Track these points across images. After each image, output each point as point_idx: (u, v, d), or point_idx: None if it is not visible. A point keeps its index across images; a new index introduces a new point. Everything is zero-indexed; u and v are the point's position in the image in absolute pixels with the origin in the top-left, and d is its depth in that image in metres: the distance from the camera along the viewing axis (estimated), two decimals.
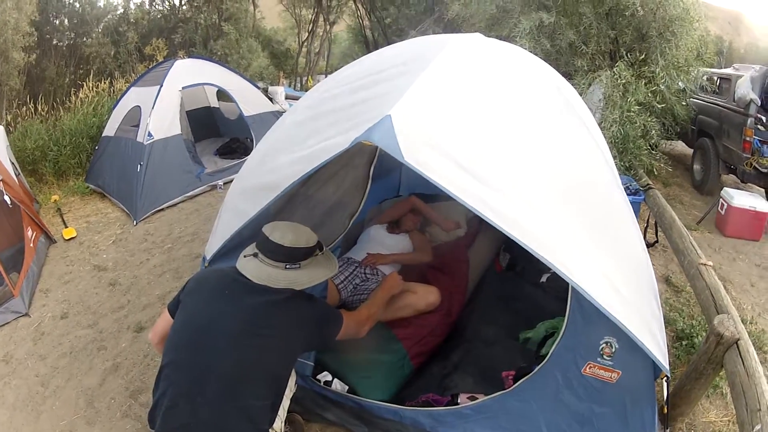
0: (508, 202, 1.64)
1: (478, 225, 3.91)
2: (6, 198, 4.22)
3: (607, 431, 2.00)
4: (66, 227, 5.31)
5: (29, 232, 4.45)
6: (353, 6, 19.01)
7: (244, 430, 1.70)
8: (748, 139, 5.51)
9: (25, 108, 8.56)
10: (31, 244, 4.40)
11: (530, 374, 2.13)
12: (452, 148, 1.65)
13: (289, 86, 14.83)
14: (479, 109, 1.95)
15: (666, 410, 2.05)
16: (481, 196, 1.59)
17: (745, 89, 5.72)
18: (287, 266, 1.85)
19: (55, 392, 3.03)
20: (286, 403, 1.98)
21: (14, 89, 9.76)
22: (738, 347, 2.17)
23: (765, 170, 5.46)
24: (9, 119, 8.53)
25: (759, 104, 5.57)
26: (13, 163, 5.49)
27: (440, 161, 1.58)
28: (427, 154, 1.57)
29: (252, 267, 1.85)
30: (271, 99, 8.49)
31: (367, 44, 19.61)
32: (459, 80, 2.08)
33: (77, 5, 13.02)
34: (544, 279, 3.20)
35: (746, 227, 5.21)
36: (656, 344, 1.86)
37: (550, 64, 2.83)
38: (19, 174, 5.60)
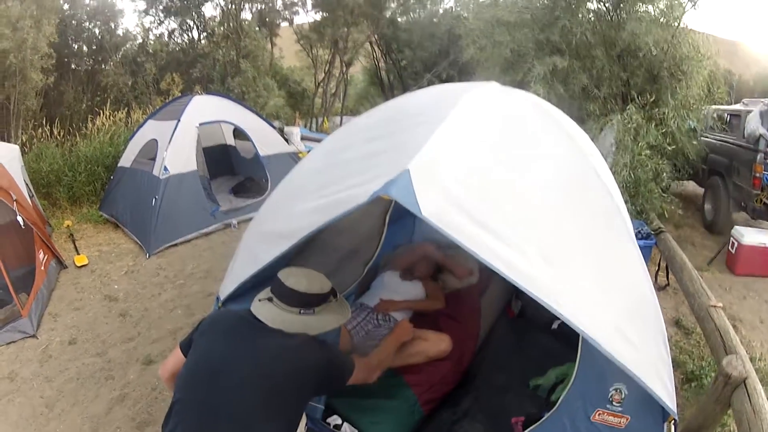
0: (522, 257, 1.66)
1: (491, 272, 3.85)
2: (19, 218, 4.27)
3: None
4: (78, 254, 5.37)
5: (41, 255, 4.51)
6: (369, 48, 19.18)
7: None
8: (757, 175, 5.51)
9: (40, 130, 8.66)
10: (42, 267, 4.46)
11: (539, 422, 2.11)
12: (469, 203, 1.67)
13: (305, 127, 14.92)
14: (495, 163, 1.98)
15: None
16: (496, 251, 1.61)
17: (755, 124, 5.70)
18: (301, 311, 1.87)
19: (59, 415, 3.04)
20: None
21: (31, 110, 9.87)
22: (745, 386, 2.19)
23: None
24: (24, 140, 8.61)
25: None
26: (27, 185, 5.56)
27: (457, 217, 1.60)
28: (444, 209, 1.59)
29: (266, 311, 1.87)
30: (286, 139, 8.51)
31: (382, 86, 19.88)
32: (476, 132, 2.11)
33: (96, 31, 13.27)
34: (555, 326, 3.16)
35: (757, 264, 5.21)
36: (664, 388, 1.85)
37: (563, 109, 2.85)
38: (32, 196, 5.66)
